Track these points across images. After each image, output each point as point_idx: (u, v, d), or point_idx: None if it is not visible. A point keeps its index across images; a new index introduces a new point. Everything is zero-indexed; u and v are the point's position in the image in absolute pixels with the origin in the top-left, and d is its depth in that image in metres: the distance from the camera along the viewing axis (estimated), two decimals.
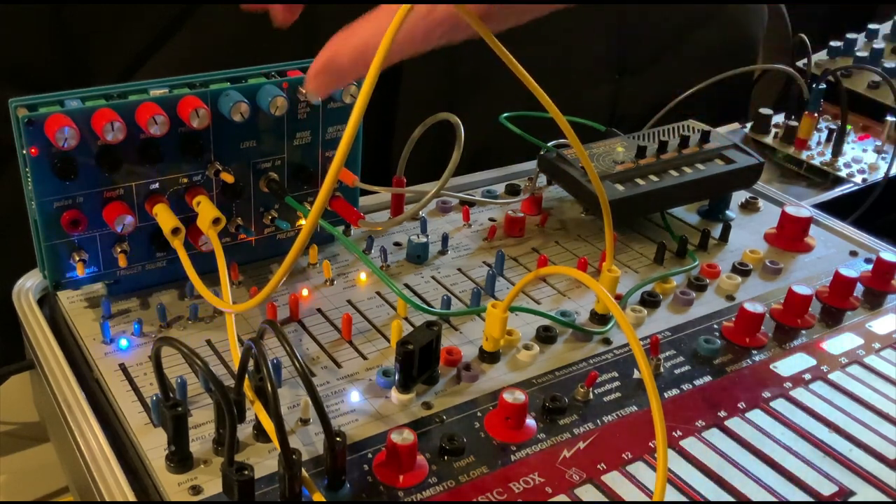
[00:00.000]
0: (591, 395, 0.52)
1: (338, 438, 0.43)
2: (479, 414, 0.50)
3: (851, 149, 0.96)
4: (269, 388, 0.41)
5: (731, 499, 0.45)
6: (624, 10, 0.99)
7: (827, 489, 0.46)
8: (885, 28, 1.13)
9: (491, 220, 0.71)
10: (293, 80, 0.56)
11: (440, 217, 0.71)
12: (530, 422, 0.49)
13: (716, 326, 0.59)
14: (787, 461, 0.48)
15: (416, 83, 0.88)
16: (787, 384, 0.54)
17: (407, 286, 0.62)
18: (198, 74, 0.54)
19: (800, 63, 1.07)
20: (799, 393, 0.53)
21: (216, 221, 0.54)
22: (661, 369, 0.54)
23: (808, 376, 0.55)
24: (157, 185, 0.55)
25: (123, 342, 0.54)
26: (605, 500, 0.44)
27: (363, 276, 0.62)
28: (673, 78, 1.01)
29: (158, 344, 0.44)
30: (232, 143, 0.56)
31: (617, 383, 0.53)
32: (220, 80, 0.55)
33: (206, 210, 0.54)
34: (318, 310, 0.58)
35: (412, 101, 0.88)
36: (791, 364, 0.56)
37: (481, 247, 0.67)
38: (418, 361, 0.50)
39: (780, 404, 0.52)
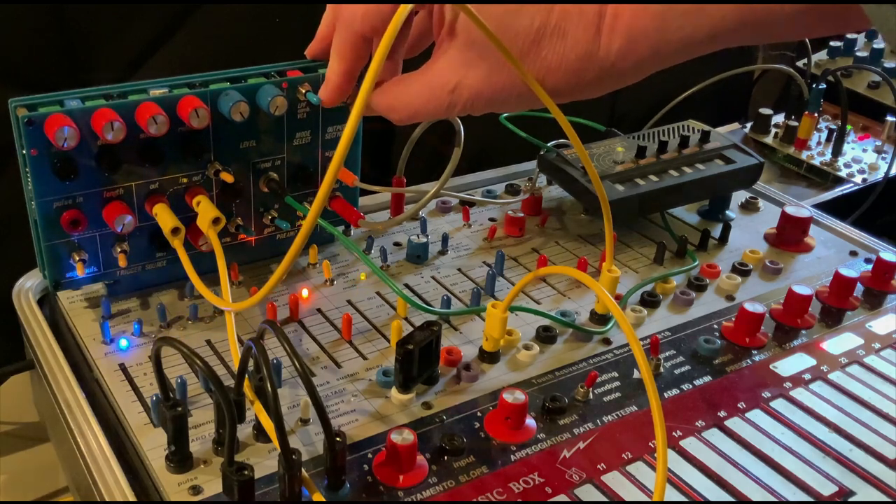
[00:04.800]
0: (591, 395, 0.52)
1: (338, 438, 0.43)
2: (479, 414, 0.50)
3: (851, 149, 0.96)
4: (269, 388, 0.41)
5: (731, 499, 0.45)
6: None
7: (827, 489, 0.46)
8: None
9: (491, 220, 0.71)
10: (293, 80, 0.56)
11: (440, 217, 0.71)
12: (530, 422, 0.49)
13: (716, 326, 0.59)
14: (787, 461, 0.48)
15: None
16: (787, 384, 0.54)
17: (407, 286, 0.62)
18: (198, 74, 0.54)
19: (800, 63, 1.07)
20: (799, 393, 0.53)
21: (216, 221, 0.54)
22: (661, 369, 0.54)
23: (808, 376, 0.55)
24: (157, 185, 0.55)
25: (123, 342, 0.54)
26: (605, 500, 0.44)
27: (363, 276, 0.62)
28: (673, 78, 1.01)
29: (158, 344, 0.44)
30: (232, 143, 0.56)
31: (617, 383, 0.53)
32: (220, 80, 0.55)
33: (206, 210, 0.54)
34: (318, 310, 0.58)
35: None
36: (791, 364, 0.56)
37: (481, 247, 0.67)
38: (418, 361, 0.50)
39: (779, 404, 0.52)
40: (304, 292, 0.60)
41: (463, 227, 0.70)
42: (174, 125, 0.52)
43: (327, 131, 0.60)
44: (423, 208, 0.67)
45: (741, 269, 0.65)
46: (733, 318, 0.59)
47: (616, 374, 0.54)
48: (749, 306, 0.57)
